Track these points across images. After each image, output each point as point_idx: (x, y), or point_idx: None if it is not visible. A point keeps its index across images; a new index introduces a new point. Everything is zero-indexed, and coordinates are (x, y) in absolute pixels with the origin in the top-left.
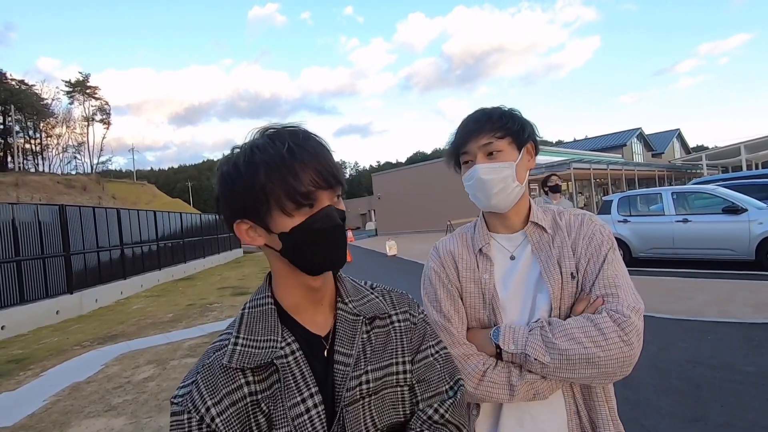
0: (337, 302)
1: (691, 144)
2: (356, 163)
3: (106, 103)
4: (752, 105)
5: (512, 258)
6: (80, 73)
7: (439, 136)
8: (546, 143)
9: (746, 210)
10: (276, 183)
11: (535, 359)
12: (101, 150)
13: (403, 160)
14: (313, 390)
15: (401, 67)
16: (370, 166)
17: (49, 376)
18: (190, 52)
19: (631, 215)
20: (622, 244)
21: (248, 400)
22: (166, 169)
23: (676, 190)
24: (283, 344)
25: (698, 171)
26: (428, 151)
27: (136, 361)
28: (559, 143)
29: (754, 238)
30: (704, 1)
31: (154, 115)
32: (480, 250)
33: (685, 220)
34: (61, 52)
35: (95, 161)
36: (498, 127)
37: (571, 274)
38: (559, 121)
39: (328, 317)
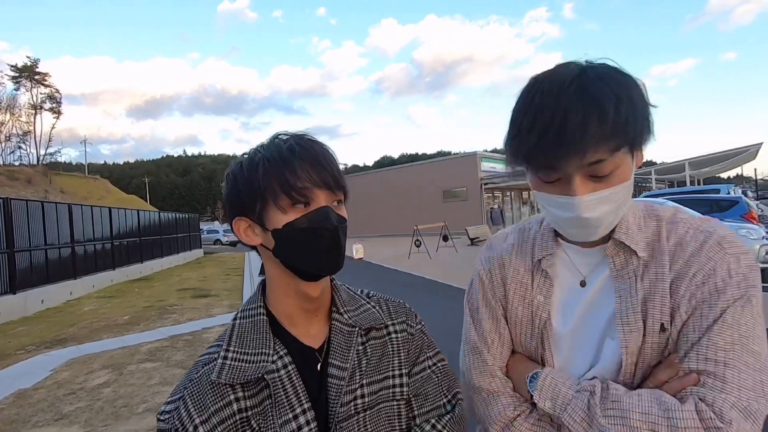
0: (331, 312)
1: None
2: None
3: (57, 91)
4: (696, 125)
5: (582, 284)
6: (28, 57)
7: (407, 141)
8: None
9: None
10: (273, 178)
11: (571, 431)
12: (50, 140)
13: (370, 163)
14: (306, 406)
15: (372, 72)
16: None
17: None
18: (155, 43)
19: None
20: None
21: (237, 417)
22: (122, 163)
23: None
24: (275, 357)
25: (648, 185)
26: (396, 156)
27: (89, 366)
28: None
29: None
30: (658, 26)
31: (111, 106)
32: (539, 261)
33: None
34: (11, 35)
35: (42, 152)
36: (614, 133)
37: (662, 324)
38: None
39: (322, 328)
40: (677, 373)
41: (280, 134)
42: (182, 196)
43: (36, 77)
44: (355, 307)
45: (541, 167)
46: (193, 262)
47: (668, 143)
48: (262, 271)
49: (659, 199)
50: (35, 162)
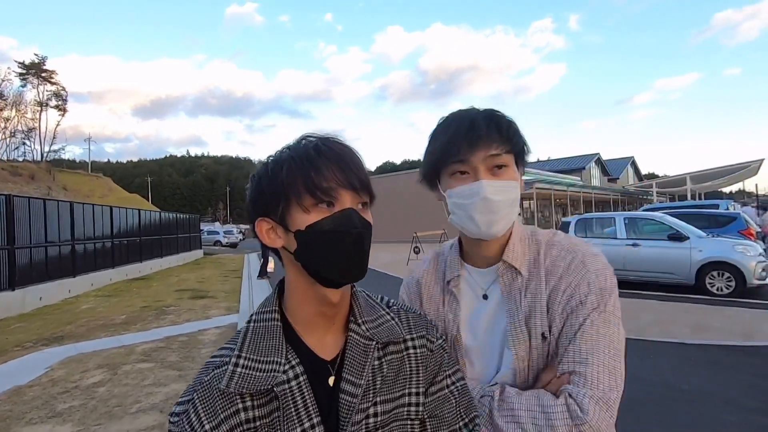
0: (349, 322)
1: (644, 171)
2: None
3: (63, 89)
4: (699, 139)
5: (485, 297)
6: (36, 55)
7: (409, 148)
8: None
9: (688, 238)
10: (297, 176)
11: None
12: (54, 137)
13: (372, 169)
14: (315, 421)
15: (376, 77)
16: None
17: None
18: (161, 44)
19: (586, 237)
20: None
21: (245, 427)
22: (125, 162)
23: (628, 215)
24: (287, 367)
25: (649, 197)
26: (398, 162)
27: (85, 364)
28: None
29: (695, 264)
30: (663, 40)
31: (117, 105)
32: (448, 283)
33: (635, 244)
34: (20, 32)
35: (46, 149)
36: (507, 138)
37: (542, 334)
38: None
39: (337, 339)
40: (555, 375)
41: (307, 135)
42: (184, 196)
43: (43, 75)
44: (373, 318)
45: (454, 159)
46: (192, 263)
47: (670, 156)
48: (260, 274)
49: (657, 213)
50: (39, 158)
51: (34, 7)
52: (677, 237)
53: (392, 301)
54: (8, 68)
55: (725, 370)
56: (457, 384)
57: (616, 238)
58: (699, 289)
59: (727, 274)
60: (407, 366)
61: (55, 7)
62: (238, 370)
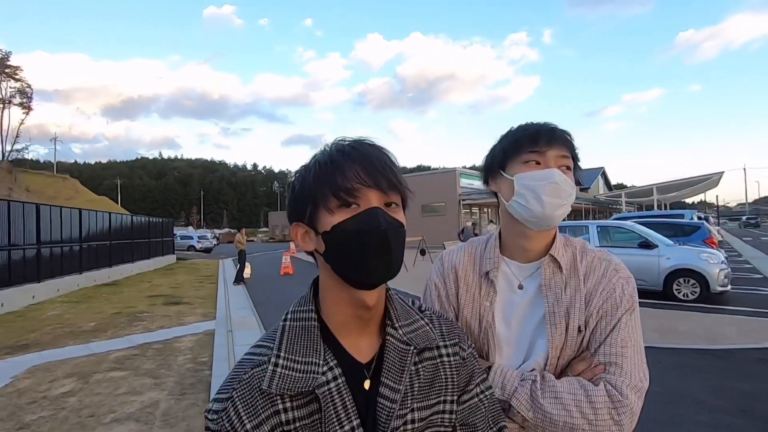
0: (386, 326)
1: (613, 182)
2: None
3: (29, 86)
4: (664, 151)
5: (520, 287)
6: (0, 50)
7: None
8: None
9: (657, 246)
10: (322, 180)
11: (518, 412)
12: (17, 136)
13: None
14: (355, 423)
15: (356, 84)
16: None
17: None
18: (135, 43)
19: None
20: None
21: (285, 428)
22: (93, 163)
23: (601, 224)
24: (325, 368)
25: (618, 207)
26: None
27: (53, 373)
28: None
29: (663, 271)
30: (631, 56)
31: (86, 104)
32: (486, 273)
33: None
34: None
35: (8, 148)
36: (572, 149)
37: (579, 327)
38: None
39: (373, 342)
40: (590, 365)
41: (339, 139)
42: (156, 199)
43: (6, 71)
44: (409, 323)
45: (532, 149)
46: (164, 268)
47: (638, 167)
48: (236, 280)
49: (628, 222)
50: (0, 158)
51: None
52: (647, 245)
53: (424, 306)
54: None
55: (694, 373)
56: (486, 393)
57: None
58: (667, 295)
59: (692, 281)
60: (441, 373)
61: (22, 1)
62: (279, 370)
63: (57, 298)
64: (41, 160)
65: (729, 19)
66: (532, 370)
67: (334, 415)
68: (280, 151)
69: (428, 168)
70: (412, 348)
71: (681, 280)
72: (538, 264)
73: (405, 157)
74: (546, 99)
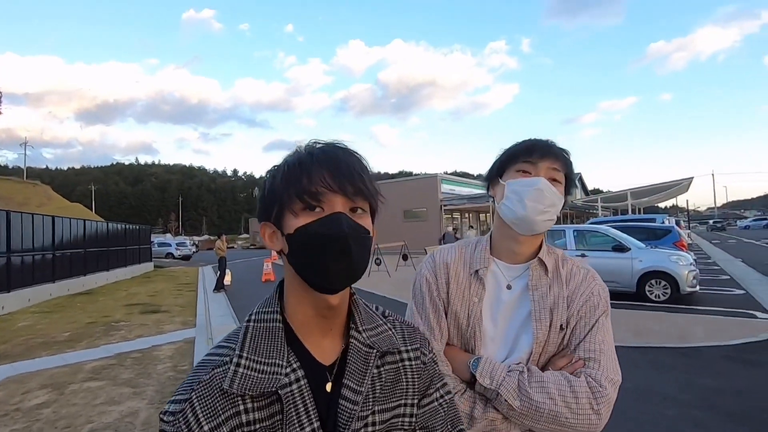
0: (350, 329)
1: (590, 187)
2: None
3: None
4: (638, 157)
5: (509, 287)
6: None
7: (370, 160)
8: (468, 176)
9: (630, 249)
10: (289, 182)
11: (506, 400)
12: None
13: None
14: (315, 425)
15: (337, 90)
16: None
17: None
18: (110, 45)
19: None
20: None
21: (245, 429)
22: (66, 169)
23: (577, 228)
24: (288, 370)
25: (594, 211)
26: None
27: (26, 385)
28: (479, 177)
29: (636, 273)
30: (606, 65)
31: (58, 108)
32: (476, 271)
33: (583, 255)
34: None
35: None
36: (567, 165)
37: (560, 325)
38: (481, 156)
39: (336, 345)
40: (570, 361)
41: (313, 141)
42: (132, 206)
43: None
44: (372, 327)
45: (525, 159)
46: (142, 276)
47: (613, 173)
48: (217, 287)
49: (602, 226)
50: None
51: None
52: (620, 248)
53: (387, 311)
54: None
55: (663, 370)
56: (446, 397)
57: (566, 249)
58: (640, 296)
59: (663, 282)
60: (403, 377)
61: None
62: (240, 370)
63: (28, 309)
64: (10, 166)
65: (697, 31)
66: (518, 363)
67: (295, 417)
68: (261, 156)
69: (410, 173)
70: (374, 351)
71: (653, 281)
72: (526, 266)
73: (387, 162)
74: (525, 106)
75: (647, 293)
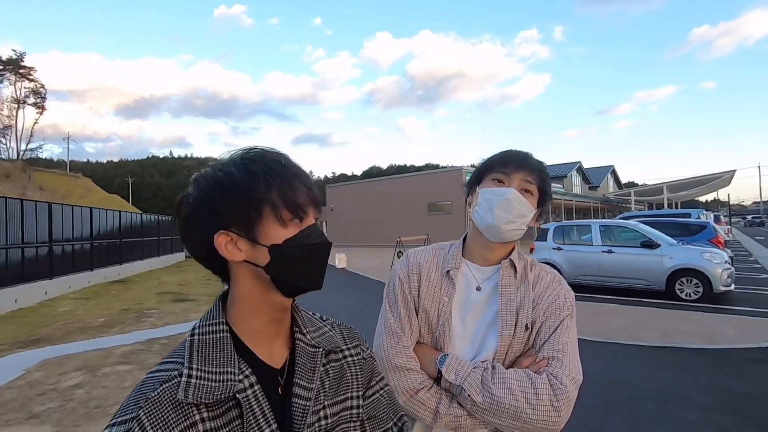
0: (294, 332)
1: (623, 180)
2: (311, 172)
3: (42, 86)
4: (676, 149)
5: (478, 289)
6: (14, 51)
7: (396, 152)
8: None
9: (660, 245)
10: (275, 191)
11: (469, 395)
12: (31, 135)
13: (358, 173)
14: (273, 427)
15: (365, 82)
16: (325, 176)
17: None
18: (147, 43)
19: (564, 243)
20: (554, 269)
21: None
22: (105, 162)
23: (604, 223)
24: (241, 377)
25: (628, 205)
26: (384, 166)
27: (62, 367)
28: None
29: (665, 271)
30: (643, 53)
31: (99, 104)
32: (447, 272)
33: (610, 251)
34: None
35: (23, 147)
36: (541, 178)
37: (526, 325)
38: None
39: (283, 349)
40: (534, 360)
41: (257, 149)
42: (166, 198)
43: (21, 71)
44: (314, 329)
45: (500, 170)
46: (173, 266)
47: (649, 166)
48: None
49: (631, 221)
50: (15, 157)
51: (16, 3)
52: (649, 244)
53: (324, 315)
54: None
55: (687, 372)
56: (385, 388)
57: (592, 245)
58: (669, 294)
59: (695, 281)
60: (347, 372)
61: (38, 2)
62: (193, 381)
63: (69, 295)
64: (55, 159)
65: (745, 14)
66: (483, 361)
67: (253, 421)
68: (290, 149)
69: (436, 166)
70: (320, 350)
71: (684, 279)
72: (497, 268)
73: (413, 155)
74: (556, 97)
75: (677, 292)
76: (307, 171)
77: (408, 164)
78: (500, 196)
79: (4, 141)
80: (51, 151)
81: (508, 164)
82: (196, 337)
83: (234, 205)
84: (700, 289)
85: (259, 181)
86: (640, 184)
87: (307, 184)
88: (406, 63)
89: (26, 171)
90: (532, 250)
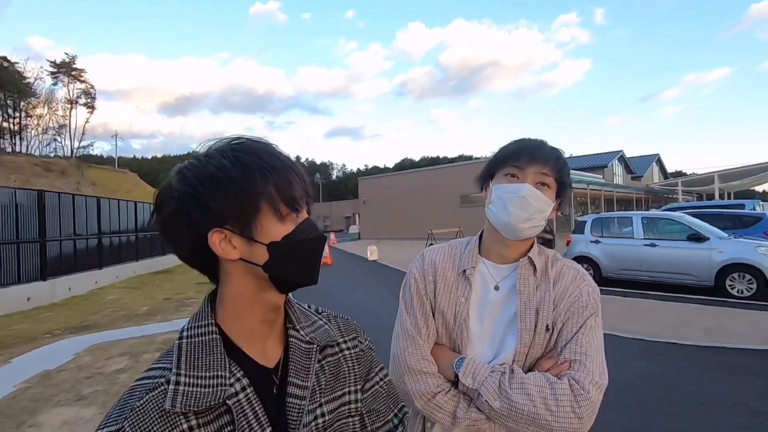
0: (287, 329)
1: (670, 169)
2: (344, 165)
3: (92, 87)
4: (729, 136)
5: (496, 288)
6: (67, 54)
7: (429, 144)
8: None
9: (708, 239)
10: (273, 186)
11: (486, 401)
12: (83, 134)
13: (390, 165)
14: (268, 430)
15: (397, 74)
16: (358, 169)
17: (19, 363)
18: (187, 42)
19: (603, 236)
20: (592, 263)
21: None
22: (150, 158)
23: (646, 215)
24: (232, 380)
25: (674, 196)
26: (417, 158)
27: (109, 352)
28: None
29: (715, 266)
30: (692, 33)
31: (144, 102)
32: (464, 271)
33: (653, 245)
34: (54, 32)
35: (76, 145)
36: (557, 169)
37: (547, 326)
38: (546, 138)
39: (277, 346)
40: (555, 363)
41: (243, 138)
42: None
43: (73, 73)
44: (309, 323)
45: (512, 164)
46: None
47: (699, 154)
48: None
49: (677, 213)
50: (69, 154)
51: (71, 7)
52: (697, 237)
53: (319, 308)
54: (41, 67)
55: (737, 374)
56: (385, 380)
57: (633, 238)
58: (719, 290)
59: (748, 277)
60: (344, 366)
61: (90, 7)
62: (181, 388)
63: (116, 284)
64: (105, 156)
65: None
66: (502, 364)
67: (246, 426)
68: (323, 142)
69: (470, 157)
70: (314, 346)
71: (735, 275)
72: (515, 266)
73: (445, 147)
74: (597, 83)
75: (728, 288)
76: (294, 159)
77: (441, 156)
78: (514, 194)
79: (59, 139)
80: (101, 148)
81: (521, 157)
82: (184, 340)
83: (229, 201)
84: (754, 286)
85: (255, 175)
86: (688, 173)
87: (301, 177)
88: (438, 53)
89: (80, 168)
90: (568, 243)
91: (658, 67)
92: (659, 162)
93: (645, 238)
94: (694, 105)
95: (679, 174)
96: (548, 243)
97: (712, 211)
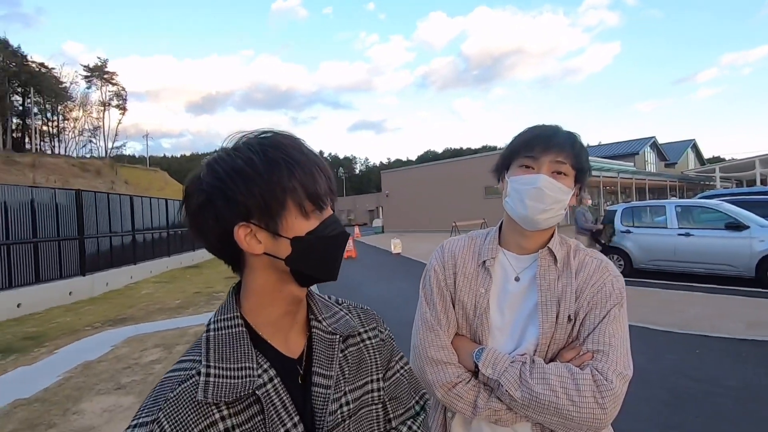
0: (310, 320)
1: (707, 155)
2: (367, 159)
3: (123, 89)
4: None
5: (516, 279)
6: (99, 58)
7: (452, 136)
8: None
9: (748, 227)
10: (299, 182)
11: (506, 391)
12: (116, 135)
13: (413, 158)
14: (296, 419)
15: (419, 65)
16: (380, 162)
17: (62, 354)
18: (212, 41)
19: (634, 226)
20: (623, 254)
21: None
22: (179, 156)
23: (680, 203)
24: (260, 371)
25: (711, 183)
26: (439, 150)
27: (144, 344)
28: None
29: (755, 255)
30: (730, 11)
31: (172, 102)
32: (484, 262)
33: (688, 234)
34: (87, 37)
35: (110, 146)
36: (574, 155)
37: (569, 317)
38: (573, 126)
39: (300, 338)
40: (578, 353)
41: (271, 132)
42: None
43: (105, 76)
44: (330, 314)
45: (526, 154)
46: None
47: (738, 139)
48: None
49: (713, 201)
50: (104, 155)
51: (102, 12)
52: (736, 226)
53: (340, 299)
54: (75, 72)
55: None
56: (405, 368)
57: (666, 228)
58: (759, 281)
59: None
60: (366, 356)
61: (120, 10)
62: (212, 379)
63: (150, 279)
64: (137, 155)
65: None
66: (523, 355)
67: (275, 415)
68: (345, 137)
69: (494, 148)
70: (337, 336)
71: None
72: (535, 256)
73: (469, 138)
74: (627, 67)
75: None
76: (320, 156)
77: (464, 147)
78: (530, 185)
79: (94, 141)
80: (133, 148)
81: (535, 146)
82: (212, 333)
83: (255, 195)
84: None
85: (282, 170)
86: (727, 159)
87: (326, 173)
88: (460, 42)
89: (113, 167)
90: None
91: (693, 48)
92: (695, 148)
93: (679, 228)
94: (733, 86)
95: (717, 160)
96: (597, 234)
97: (752, 198)
